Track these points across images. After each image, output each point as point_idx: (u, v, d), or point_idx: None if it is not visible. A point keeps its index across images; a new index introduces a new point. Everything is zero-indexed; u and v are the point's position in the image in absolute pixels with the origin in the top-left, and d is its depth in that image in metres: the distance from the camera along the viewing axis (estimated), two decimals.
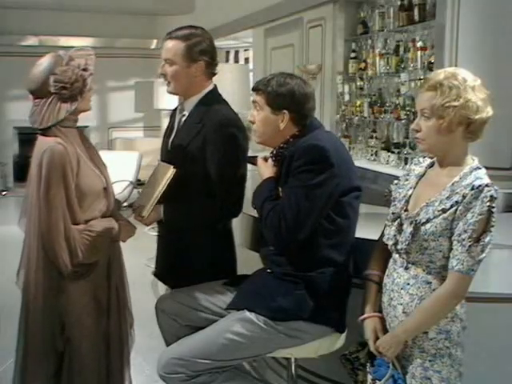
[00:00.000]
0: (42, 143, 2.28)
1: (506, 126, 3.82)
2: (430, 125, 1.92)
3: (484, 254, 1.87)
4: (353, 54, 5.59)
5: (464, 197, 1.86)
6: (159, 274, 2.79)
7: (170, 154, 2.61)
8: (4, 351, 2.91)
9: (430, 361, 1.98)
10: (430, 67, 4.35)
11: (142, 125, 10.89)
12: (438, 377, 1.98)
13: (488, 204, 1.84)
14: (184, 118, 2.60)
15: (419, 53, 4.55)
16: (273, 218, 2.18)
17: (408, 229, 1.96)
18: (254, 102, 2.38)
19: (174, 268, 2.63)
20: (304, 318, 2.19)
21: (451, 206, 1.88)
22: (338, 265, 2.23)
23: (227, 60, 10.13)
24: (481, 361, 2.33)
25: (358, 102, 5.54)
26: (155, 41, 10.36)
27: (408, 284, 1.99)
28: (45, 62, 2.29)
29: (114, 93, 10.88)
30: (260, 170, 2.40)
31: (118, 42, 10.47)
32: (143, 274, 5.52)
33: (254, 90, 2.38)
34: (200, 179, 2.46)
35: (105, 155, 9.55)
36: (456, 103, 1.87)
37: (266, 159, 2.41)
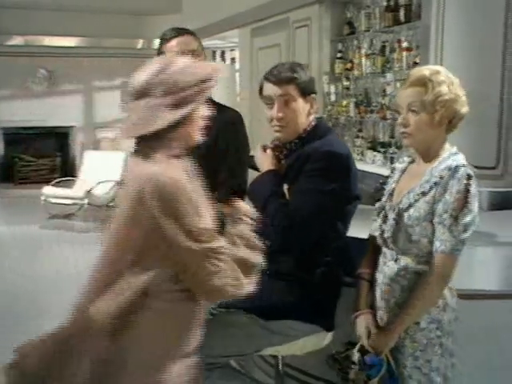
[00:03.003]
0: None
1: (491, 126, 3.86)
2: (419, 119, 1.95)
3: (467, 234, 1.90)
4: (339, 55, 5.62)
5: (441, 178, 1.91)
6: None
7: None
8: None
9: (421, 350, 2.00)
10: (415, 67, 4.39)
11: None
12: (428, 366, 2.01)
13: (465, 182, 1.88)
14: None
15: (405, 53, 4.59)
16: (282, 219, 2.16)
17: (391, 216, 2.00)
18: (281, 95, 2.25)
19: None
20: (295, 317, 2.20)
21: (430, 189, 1.93)
22: (332, 266, 2.24)
23: (214, 60, 10.14)
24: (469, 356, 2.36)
25: (345, 102, 5.57)
26: (142, 41, 10.37)
27: (399, 276, 2.01)
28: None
29: (100, 92, 10.86)
30: (259, 161, 2.36)
31: (105, 41, 10.46)
32: None
33: (276, 82, 2.25)
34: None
35: (91, 155, 9.55)
36: (447, 97, 1.92)
37: (265, 149, 2.39)
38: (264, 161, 2.33)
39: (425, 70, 1.98)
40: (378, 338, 2.04)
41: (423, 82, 1.94)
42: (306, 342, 2.27)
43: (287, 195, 2.22)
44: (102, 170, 8.18)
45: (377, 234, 2.08)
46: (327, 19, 5.66)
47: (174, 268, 1.71)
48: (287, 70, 2.26)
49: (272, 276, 2.25)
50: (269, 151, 2.35)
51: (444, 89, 1.93)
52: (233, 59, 10.19)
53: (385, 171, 4.01)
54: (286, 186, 2.23)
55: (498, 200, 3.77)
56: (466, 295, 2.29)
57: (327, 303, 2.23)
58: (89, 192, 7.95)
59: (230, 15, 7.47)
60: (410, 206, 1.97)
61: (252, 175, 2.73)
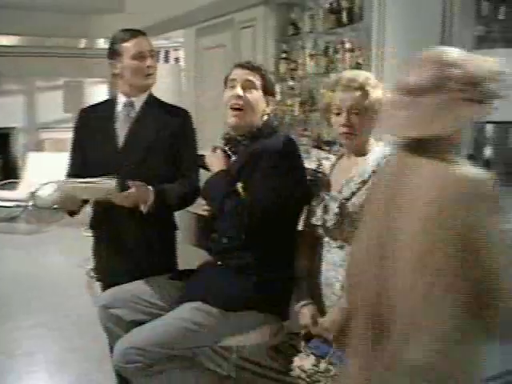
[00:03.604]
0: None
1: None
2: (362, 121, 2.16)
3: None
4: (283, 55, 5.69)
5: (378, 165, 2.11)
6: (104, 273, 2.80)
7: (131, 144, 2.65)
8: None
9: None
10: (358, 67, 4.52)
11: (71, 125, 10.68)
12: None
13: None
14: (134, 114, 2.66)
15: (348, 54, 4.72)
16: (239, 216, 2.25)
17: (334, 206, 2.15)
18: (247, 80, 2.39)
19: (121, 265, 2.66)
20: (254, 308, 2.29)
21: (369, 177, 2.12)
22: (287, 258, 2.33)
23: (157, 60, 10.12)
24: None
25: (289, 102, 5.67)
26: (84, 40, 10.22)
27: (344, 261, 2.15)
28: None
29: (42, 93, 10.66)
30: (210, 161, 2.44)
31: (47, 40, 10.26)
32: (77, 276, 5.48)
33: (247, 67, 2.42)
34: (169, 166, 2.54)
35: (34, 157, 9.39)
36: (381, 99, 2.16)
37: (215, 149, 2.46)
38: (215, 161, 2.42)
39: (360, 75, 2.21)
40: (330, 320, 2.16)
41: (361, 87, 2.15)
42: (263, 332, 2.36)
43: (242, 193, 2.29)
44: (45, 171, 8.05)
45: (319, 223, 2.20)
46: (272, 20, 5.74)
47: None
48: (259, 64, 2.50)
49: (230, 270, 2.33)
50: (219, 151, 2.43)
51: (379, 92, 2.17)
52: (176, 59, 10.18)
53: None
54: (239, 184, 2.31)
55: None
56: None
57: (283, 294, 2.32)
58: (33, 194, 7.82)
59: (174, 15, 7.47)
60: (353, 194, 2.15)
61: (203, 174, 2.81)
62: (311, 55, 5.30)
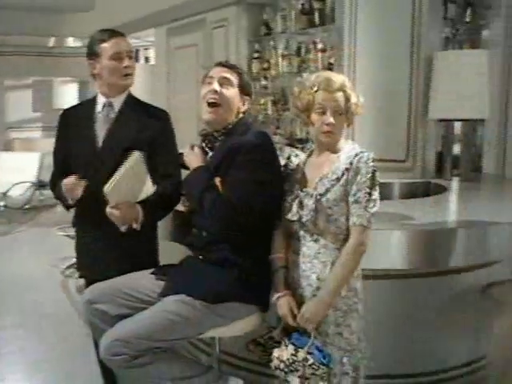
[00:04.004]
0: None
1: (401, 123, 4.16)
2: (342, 120, 2.28)
3: (376, 208, 2.22)
4: (256, 55, 5.80)
5: (351, 163, 2.22)
6: (87, 269, 2.84)
7: (110, 145, 2.69)
8: None
9: (341, 317, 2.26)
10: (330, 67, 4.64)
11: (40, 125, 10.62)
12: (348, 330, 2.27)
13: (371, 164, 2.22)
14: (114, 114, 2.71)
15: (320, 54, 4.83)
16: (219, 210, 2.31)
17: (310, 202, 2.25)
18: (224, 77, 2.46)
19: (104, 261, 2.70)
20: (235, 299, 2.36)
21: (343, 174, 2.23)
22: (267, 250, 2.41)
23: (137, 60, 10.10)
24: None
25: (262, 101, 5.77)
26: (53, 38, 10.14)
27: (319, 253, 2.26)
28: None
29: (10, 92, 10.55)
30: (188, 158, 2.52)
31: (15, 39, 10.15)
32: (51, 276, 5.49)
33: (225, 66, 2.50)
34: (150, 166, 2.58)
35: (4, 156, 9.29)
36: (359, 102, 2.30)
37: (192, 147, 2.53)
38: (193, 158, 2.49)
39: (337, 77, 2.31)
40: (309, 311, 2.25)
41: (342, 88, 2.26)
42: (245, 324, 2.44)
43: (220, 187, 2.37)
44: (16, 171, 8.00)
45: (295, 218, 2.29)
46: (244, 20, 5.83)
47: None
48: (236, 64, 2.54)
49: (212, 263, 2.40)
50: (196, 149, 2.50)
51: (355, 95, 2.29)
52: (146, 58, 10.18)
53: None
54: (218, 179, 2.38)
55: (408, 189, 4.09)
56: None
57: (263, 285, 2.40)
58: (4, 194, 7.76)
59: (145, 14, 7.47)
60: (327, 190, 2.24)
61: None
62: (283, 55, 5.41)
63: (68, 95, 9.64)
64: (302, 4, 5.04)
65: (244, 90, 2.51)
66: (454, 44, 4.56)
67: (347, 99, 2.26)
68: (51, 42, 10.23)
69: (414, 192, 4.03)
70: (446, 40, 4.48)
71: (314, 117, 2.30)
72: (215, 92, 2.44)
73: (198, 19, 6.51)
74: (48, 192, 8.33)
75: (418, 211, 3.15)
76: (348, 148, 2.30)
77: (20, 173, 7.90)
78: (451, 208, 3.62)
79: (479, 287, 2.99)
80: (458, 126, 4.16)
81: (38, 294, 5.04)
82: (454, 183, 4.06)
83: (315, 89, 2.31)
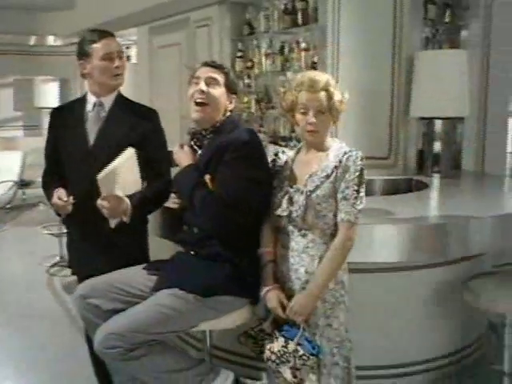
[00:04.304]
0: None
1: (383, 122, 4.25)
2: (326, 119, 2.35)
3: (363, 205, 2.31)
4: (239, 54, 5.85)
5: (340, 162, 2.31)
6: (79, 266, 2.88)
7: (102, 143, 2.72)
8: None
9: (330, 309, 2.35)
10: (313, 66, 4.71)
11: (21, 123, 10.54)
12: (337, 321, 2.36)
13: (359, 163, 2.30)
14: (104, 114, 2.75)
15: (303, 53, 4.91)
16: (209, 206, 2.38)
17: (300, 198, 2.34)
18: (210, 77, 2.53)
19: (95, 257, 2.74)
20: (228, 293, 2.43)
21: (332, 171, 2.32)
22: (257, 244, 2.48)
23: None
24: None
25: (246, 99, 5.83)
26: (34, 37, 10.07)
27: (307, 247, 2.35)
28: None
29: None
30: (177, 157, 2.58)
31: None
32: (36, 275, 5.49)
33: (212, 66, 2.56)
34: (140, 165, 2.62)
35: None
36: (343, 99, 2.37)
37: (182, 146, 2.59)
38: (183, 157, 2.55)
39: (322, 76, 2.37)
40: (298, 304, 2.32)
41: (325, 88, 2.33)
42: (236, 316, 2.51)
43: (210, 185, 2.43)
44: None
45: (285, 214, 2.36)
46: (227, 19, 5.88)
47: None
48: (222, 64, 2.59)
49: (203, 258, 2.47)
50: (186, 147, 2.56)
51: (339, 93, 2.36)
52: (128, 57, 10.15)
53: None
54: (207, 177, 2.44)
55: (390, 186, 4.18)
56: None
57: (253, 279, 2.47)
58: None
59: (127, 13, 7.44)
60: (317, 187, 2.32)
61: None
62: (267, 54, 5.48)
63: (49, 94, 9.58)
64: (285, 4, 5.10)
65: (230, 89, 2.58)
66: (434, 44, 4.67)
67: (330, 98, 2.33)
68: (32, 40, 10.15)
69: (396, 188, 4.12)
70: (426, 40, 4.58)
71: (298, 117, 2.39)
72: (202, 92, 2.51)
73: (181, 18, 6.54)
74: (31, 191, 8.36)
75: (400, 207, 3.23)
76: (336, 146, 2.38)
77: (2, 172, 7.86)
78: (433, 204, 3.73)
79: (462, 280, 3.09)
80: (438, 124, 4.26)
81: (23, 293, 5.04)
82: (435, 180, 4.16)
83: (298, 89, 2.38)
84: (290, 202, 2.37)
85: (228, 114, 2.58)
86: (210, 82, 2.52)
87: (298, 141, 5.10)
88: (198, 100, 2.50)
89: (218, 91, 2.53)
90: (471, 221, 2.96)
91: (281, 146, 5.31)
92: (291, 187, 2.39)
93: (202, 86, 2.51)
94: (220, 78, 2.54)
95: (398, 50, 4.21)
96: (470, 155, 4.68)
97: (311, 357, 2.30)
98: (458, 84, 4.09)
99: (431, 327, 3.20)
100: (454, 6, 4.70)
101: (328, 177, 2.32)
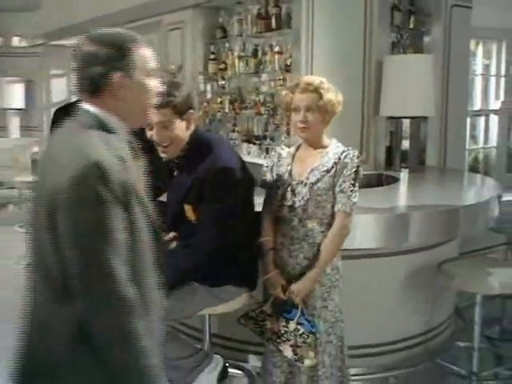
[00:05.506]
0: None
1: (354, 119, 4.52)
2: (316, 118, 2.60)
3: (357, 199, 2.58)
4: (212, 56, 5.98)
5: (339, 158, 2.58)
6: None
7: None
8: None
9: (327, 292, 2.62)
10: (287, 69, 4.95)
11: None
12: (333, 303, 2.64)
13: (356, 161, 2.58)
14: None
15: (277, 56, 5.12)
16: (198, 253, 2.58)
17: (303, 190, 2.60)
18: (159, 121, 2.44)
19: None
20: (231, 283, 2.68)
21: (332, 167, 2.58)
22: (254, 240, 2.73)
23: None
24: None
25: (219, 100, 6.01)
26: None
27: (307, 236, 2.61)
28: None
29: None
30: None
31: None
32: (13, 274, 5.52)
33: (157, 109, 2.27)
34: None
35: None
36: (334, 102, 2.61)
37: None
38: None
39: (316, 80, 2.62)
40: (300, 286, 2.57)
41: (316, 90, 2.58)
42: (235, 302, 2.76)
43: (193, 215, 2.60)
44: None
45: (288, 204, 2.62)
46: (200, 23, 6.01)
47: None
48: (167, 99, 2.40)
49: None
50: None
51: (331, 95, 2.60)
52: None
53: (260, 160, 4.57)
54: (188, 207, 2.60)
55: (363, 180, 4.44)
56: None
57: (253, 268, 2.73)
58: None
59: (98, 15, 7.45)
60: (318, 180, 2.59)
61: None
62: (240, 57, 5.64)
63: (15, 95, 9.60)
64: (259, 9, 5.30)
65: (183, 113, 2.50)
66: (399, 48, 4.97)
67: (320, 98, 2.56)
68: None
69: (368, 183, 4.38)
70: (392, 45, 4.88)
71: (293, 116, 2.64)
72: (159, 139, 2.52)
73: (153, 21, 6.62)
74: (1, 191, 8.33)
75: (375, 199, 3.52)
76: (334, 145, 2.65)
77: None
78: (403, 195, 4.05)
79: (433, 264, 3.40)
80: (406, 123, 4.57)
81: (1, 292, 5.07)
82: (403, 174, 4.47)
83: (293, 91, 2.64)
84: (293, 193, 2.62)
85: (191, 129, 2.59)
86: (162, 125, 2.47)
87: (272, 139, 5.38)
88: (160, 148, 2.56)
89: (173, 130, 2.50)
90: (438, 210, 3.28)
91: (254, 144, 5.54)
92: (293, 180, 2.65)
93: (155, 133, 2.50)
94: (169, 114, 2.46)
95: (368, 54, 4.48)
96: (433, 152, 5.02)
97: (310, 335, 2.56)
98: (424, 86, 4.40)
99: (408, 308, 3.47)
100: (417, 13, 5.01)
101: (328, 171, 2.58)
